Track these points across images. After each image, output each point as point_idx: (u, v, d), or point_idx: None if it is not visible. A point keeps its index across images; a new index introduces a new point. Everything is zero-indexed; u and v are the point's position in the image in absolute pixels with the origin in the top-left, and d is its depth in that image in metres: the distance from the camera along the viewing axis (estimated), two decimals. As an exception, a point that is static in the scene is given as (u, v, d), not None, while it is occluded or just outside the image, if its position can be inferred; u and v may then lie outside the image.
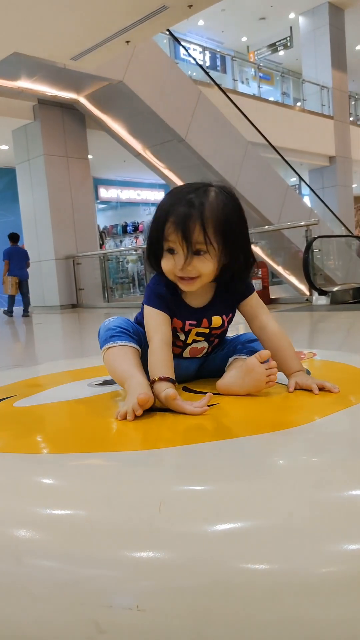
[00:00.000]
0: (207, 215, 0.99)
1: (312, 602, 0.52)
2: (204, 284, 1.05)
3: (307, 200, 13.43)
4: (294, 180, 13.66)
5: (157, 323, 1.06)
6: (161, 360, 1.00)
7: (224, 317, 1.13)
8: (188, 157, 8.16)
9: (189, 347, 1.15)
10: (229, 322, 1.15)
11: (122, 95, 7.65)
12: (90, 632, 0.54)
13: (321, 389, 1.00)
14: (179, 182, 8.82)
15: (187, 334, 1.12)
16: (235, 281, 1.10)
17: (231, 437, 0.79)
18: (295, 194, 11.01)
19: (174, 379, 0.98)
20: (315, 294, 6.65)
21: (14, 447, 0.82)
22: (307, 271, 6.62)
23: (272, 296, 7.06)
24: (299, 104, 14.43)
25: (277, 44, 15.60)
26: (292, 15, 14.55)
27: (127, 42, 6.02)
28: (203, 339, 1.14)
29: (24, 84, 7.48)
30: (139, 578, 0.55)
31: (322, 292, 6.61)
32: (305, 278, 6.77)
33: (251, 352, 1.08)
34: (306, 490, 0.61)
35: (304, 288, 7.71)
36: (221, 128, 8.47)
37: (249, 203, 8.13)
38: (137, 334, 1.12)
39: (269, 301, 6.76)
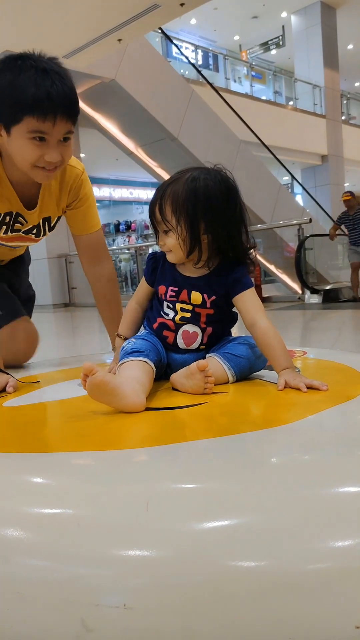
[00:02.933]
0: (167, 196, 1.10)
1: (300, 599, 0.53)
2: (179, 259, 1.16)
3: (299, 199, 13.48)
4: (286, 179, 13.70)
5: (138, 289, 1.27)
6: (126, 319, 1.27)
7: (204, 295, 1.16)
8: (180, 155, 8.17)
9: (181, 330, 1.17)
10: (214, 305, 1.16)
11: (114, 94, 7.64)
12: (78, 630, 0.54)
13: (309, 387, 1.00)
14: (172, 181, 8.82)
15: (173, 307, 1.18)
16: (227, 264, 1.16)
17: (219, 435, 0.79)
18: (288, 192, 11.04)
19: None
20: (308, 292, 6.68)
21: (1, 447, 0.82)
22: (300, 270, 6.64)
23: (265, 295, 7.07)
24: (291, 102, 14.47)
25: (269, 42, 15.63)
26: (284, 14, 14.57)
27: (119, 40, 6.01)
28: (190, 315, 1.17)
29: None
30: (126, 576, 0.55)
31: (314, 291, 6.64)
32: (297, 277, 6.79)
33: (225, 354, 1.12)
34: (294, 488, 0.61)
35: (296, 287, 7.74)
36: (213, 127, 8.48)
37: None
38: (153, 351, 1.14)
39: (261, 300, 6.78)
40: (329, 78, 14.05)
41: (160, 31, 8.91)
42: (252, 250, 1.19)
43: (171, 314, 1.17)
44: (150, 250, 8.26)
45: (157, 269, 1.22)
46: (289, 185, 14.26)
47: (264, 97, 13.71)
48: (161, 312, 1.19)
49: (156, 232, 1.18)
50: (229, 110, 8.90)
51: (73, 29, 5.60)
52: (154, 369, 1.09)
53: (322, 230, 8.56)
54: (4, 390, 1.23)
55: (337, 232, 6.91)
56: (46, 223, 1.56)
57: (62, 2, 4.99)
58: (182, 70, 10.23)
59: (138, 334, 1.22)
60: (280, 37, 15.33)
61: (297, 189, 14.63)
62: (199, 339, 1.17)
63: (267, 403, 0.97)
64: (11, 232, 1.52)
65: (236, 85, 13.66)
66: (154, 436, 0.82)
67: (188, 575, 0.54)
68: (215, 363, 1.09)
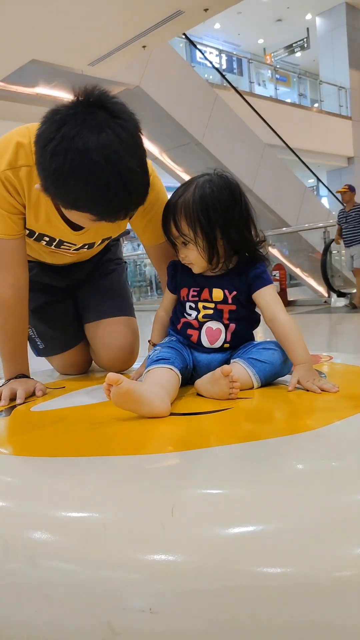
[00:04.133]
0: (179, 209, 1.13)
1: (325, 606, 0.52)
2: (202, 268, 1.19)
3: (325, 201, 13.34)
4: (311, 181, 13.59)
5: (164, 298, 1.31)
6: (156, 327, 1.31)
7: (226, 291, 1.19)
8: (204, 159, 8.17)
9: (205, 328, 1.19)
10: (235, 300, 1.18)
11: (139, 100, 7.69)
12: (105, 633, 0.55)
13: (321, 389, 1.02)
14: (196, 185, 8.83)
15: (195, 307, 1.20)
16: (245, 262, 1.19)
17: (245, 440, 0.79)
18: (313, 195, 10.95)
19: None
20: (334, 296, 6.61)
21: (31, 451, 0.83)
22: (325, 273, 6.58)
23: (290, 298, 7.02)
24: (316, 105, 14.36)
25: (293, 45, 15.57)
26: (308, 17, 14.50)
27: (144, 47, 6.05)
28: (212, 312, 1.19)
29: (42, 90, 7.56)
30: (151, 581, 0.55)
31: (340, 294, 6.56)
32: (323, 280, 6.72)
33: (250, 359, 1.11)
34: (319, 494, 0.61)
35: (322, 290, 7.66)
36: (238, 130, 8.46)
37: (265, 205, 8.10)
38: (179, 358, 1.15)
39: (287, 303, 6.73)
40: (354, 79, 13.90)
41: (184, 37, 8.95)
42: (263, 243, 1.22)
43: (194, 313, 1.21)
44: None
45: (177, 274, 1.26)
46: (315, 187, 14.14)
47: (288, 100, 13.64)
48: (184, 314, 1.22)
49: (174, 246, 1.21)
50: (253, 114, 8.87)
51: (98, 37, 5.66)
52: (180, 375, 1.10)
53: (348, 233, 8.45)
54: (32, 394, 1.25)
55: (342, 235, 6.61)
56: (105, 240, 1.47)
57: (88, 10, 5.06)
58: (206, 75, 10.25)
59: (163, 341, 1.23)
60: (305, 40, 15.25)
61: (323, 191, 14.49)
62: (223, 335, 1.19)
63: (292, 409, 0.97)
64: (55, 247, 1.41)
65: (260, 88, 13.62)
66: (179, 441, 0.82)
67: (213, 581, 0.54)
68: (239, 368, 1.09)
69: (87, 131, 0.95)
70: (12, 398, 1.21)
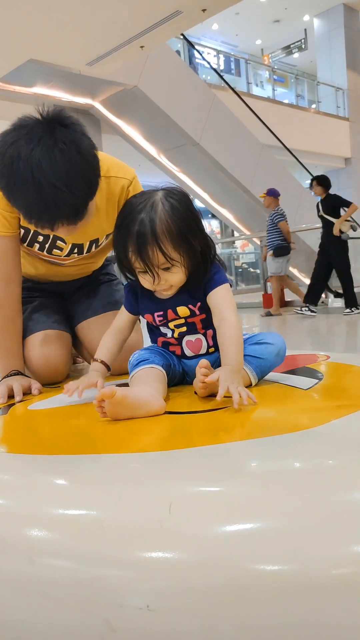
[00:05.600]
0: (160, 235, 1.03)
1: (324, 604, 0.52)
2: (176, 290, 1.13)
3: (322, 202, 13.34)
4: (309, 182, 13.60)
5: (118, 317, 1.24)
6: (104, 345, 1.20)
7: (190, 306, 1.15)
8: (202, 160, 8.18)
9: (184, 342, 1.18)
10: (203, 310, 1.15)
11: (137, 100, 7.69)
12: (103, 630, 0.55)
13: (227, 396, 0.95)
14: (194, 186, 8.85)
15: (167, 328, 1.17)
16: (199, 276, 1.12)
17: (242, 438, 0.79)
18: (311, 196, 10.96)
19: (109, 364, 1.18)
20: (331, 296, 6.61)
21: (28, 449, 0.83)
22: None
23: (287, 299, 7.02)
24: (313, 106, 14.38)
25: (291, 46, 15.59)
26: (306, 18, 14.52)
27: (142, 47, 6.06)
28: (185, 328, 1.16)
29: (39, 90, 7.56)
30: (149, 578, 0.55)
31: (337, 295, 6.57)
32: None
33: (245, 357, 1.09)
34: (317, 492, 0.61)
35: (319, 291, 7.64)
36: (235, 131, 8.47)
37: (263, 205, 8.11)
38: (159, 355, 1.15)
39: (284, 304, 6.73)
40: (352, 80, 13.93)
41: (182, 37, 8.96)
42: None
43: (169, 332, 1.18)
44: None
45: (137, 299, 1.20)
46: (312, 188, 14.13)
47: (286, 101, 13.65)
48: (159, 334, 1.20)
49: (132, 273, 1.12)
50: (251, 115, 8.88)
51: (96, 37, 5.66)
52: (164, 372, 1.10)
53: (345, 234, 8.46)
54: (29, 393, 1.25)
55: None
56: (93, 244, 1.49)
57: (86, 10, 5.06)
58: (204, 76, 10.26)
59: (143, 347, 1.22)
60: (303, 41, 15.28)
61: (320, 192, 14.44)
62: (204, 343, 1.18)
63: (290, 407, 0.97)
64: (47, 253, 1.46)
65: (258, 89, 13.63)
66: (176, 439, 0.83)
67: (211, 578, 0.54)
68: None
69: (24, 142, 1.03)
70: (10, 395, 1.21)
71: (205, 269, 1.12)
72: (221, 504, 0.60)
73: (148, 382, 1.03)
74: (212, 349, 1.19)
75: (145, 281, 1.10)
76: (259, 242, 7.81)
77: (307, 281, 8.62)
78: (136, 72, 7.39)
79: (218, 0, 5.30)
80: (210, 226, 14.88)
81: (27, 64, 6.21)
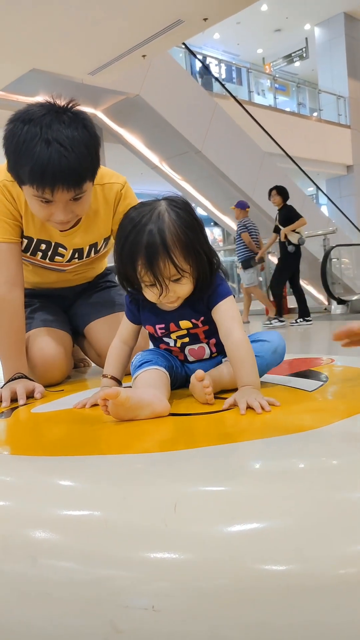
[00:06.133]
0: (171, 245, 1.00)
1: (330, 604, 0.52)
2: (184, 298, 1.09)
3: (324, 209, 13.38)
4: (311, 190, 13.65)
5: (121, 328, 1.21)
6: (111, 360, 1.18)
7: (192, 320, 1.12)
8: (204, 168, 8.21)
9: (187, 350, 1.17)
10: (206, 322, 1.13)
11: (139, 109, 7.73)
12: (107, 631, 0.54)
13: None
14: (196, 194, 8.87)
15: (169, 338, 1.16)
16: (205, 287, 1.09)
17: (246, 439, 0.79)
18: (313, 203, 10.99)
19: (119, 378, 1.17)
20: (334, 303, 6.61)
21: (31, 450, 0.83)
22: (325, 280, 6.58)
23: (290, 306, 7.02)
24: (315, 114, 14.45)
25: (292, 55, 15.69)
26: (307, 27, 14.62)
27: (144, 56, 6.10)
28: (188, 339, 1.15)
29: (42, 99, 7.61)
30: (154, 579, 0.55)
31: (340, 301, 6.57)
32: (323, 287, 6.72)
33: None
34: (324, 491, 0.60)
35: (322, 298, 7.66)
36: (237, 139, 8.51)
37: (265, 213, 8.13)
38: (161, 357, 1.15)
39: (287, 311, 6.72)
40: (353, 88, 14.00)
41: (184, 46, 9.02)
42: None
43: (171, 342, 1.16)
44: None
45: (139, 309, 1.17)
46: (314, 196, 14.19)
47: (287, 109, 13.72)
48: (162, 342, 1.19)
49: (137, 288, 1.08)
50: (253, 123, 8.92)
51: (98, 46, 5.70)
52: (167, 373, 1.10)
53: (347, 240, 8.48)
54: (31, 396, 1.24)
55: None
56: (92, 249, 1.54)
57: (87, 20, 5.10)
58: (199, 80, 10.31)
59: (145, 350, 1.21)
60: (304, 49, 15.38)
61: (322, 199, 14.54)
62: (207, 350, 1.17)
63: (293, 409, 0.96)
64: (49, 260, 1.52)
65: (260, 97, 13.71)
66: (180, 440, 0.82)
67: (216, 578, 0.54)
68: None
69: (37, 110, 1.20)
70: (13, 399, 1.21)
71: (210, 279, 1.09)
72: (226, 503, 0.59)
73: (152, 384, 1.02)
74: (214, 354, 1.18)
75: (152, 295, 1.06)
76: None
77: (310, 289, 8.64)
78: (138, 81, 7.43)
79: (219, 9, 5.34)
80: (213, 234, 14.91)
81: (30, 74, 6.26)
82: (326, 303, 6.83)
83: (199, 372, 0.98)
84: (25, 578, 0.59)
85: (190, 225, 1.03)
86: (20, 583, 0.59)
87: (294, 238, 5.48)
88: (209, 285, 1.09)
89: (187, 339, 1.15)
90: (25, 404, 1.18)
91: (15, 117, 1.20)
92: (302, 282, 8.75)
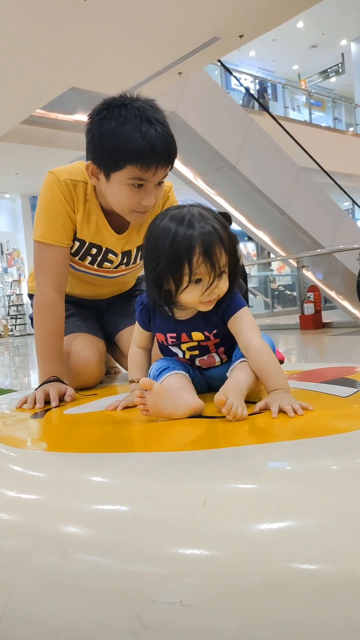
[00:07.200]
0: (222, 236, 1.00)
1: (362, 604, 0.50)
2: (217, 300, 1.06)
3: (360, 224, 13.21)
4: (347, 204, 13.50)
5: (135, 334, 1.21)
6: (134, 366, 1.19)
7: (205, 332, 1.10)
8: (239, 183, 8.23)
9: (197, 361, 1.14)
10: (218, 335, 1.10)
11: (175, 126, 7.71)
12: (134, 625, 0.54)
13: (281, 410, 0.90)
14: (230, 208, 8.89)
15: (179, 348, 1.13)
16: (230, 293, 1.06)
17: (277, 440, 0.78)
18: (349, 218, 10.87)
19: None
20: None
21: (62, 447, 0.84)
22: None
23: (325, 320, 6.92)
24: (351, 129, 14.35)
25: (328, 70, 15.66)
26: (343, 42, 14.60)
27: (180, 73, 6.20)
28: (198, 351, 1.12)
29: (81, 117, 7.80)
30: (182, 574, 0.54)
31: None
32: (359, 301, 6.61)
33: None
34: (356, 490, 0.59)
35: (358, 313, 7.53)
36: (272, 154, 8.51)
37: (300, 227, 8.08)
38: (177, 363, 1.13)
39: (321, 325, 6.64)
40: (390, 103, 13.87)
41: (219, 64, 9.12)
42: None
43: (180, 353, 1.14)
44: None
45: (151, 316, 1.15)
46: (350, 210, 14.04)
47: (323, 124, 13.68)
48: (171, 352, 1.16)
49: (177, 285, 1.01)
50: (288, 138, 8.92)
51: (136, 64, 5.82)
52: (187, 376, 1.09)
53: (384, 255, 8.33)
54: (62, 400, 1.26)
55: None
56: (139, 252, 1.56)
57: (125, 38, 5.22)
58: (240, 101, 10.39)
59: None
60: (340, 65, 15.34)
61: (359, 214, 14.35)
62: (217, 359, 1.14)
63: (326, 413, 0.94)
64: (97, 266, 1.55)
65: (295, 113, 13.72)
66: (211, 440, 0.81)
67: (245, 575, 0.53)
68: (244, 370, 1.04)
69: (120, 99, 1.28)
70: (46, 401, 1.23)
71: (233, 286, 1.06)
72: (258, 500, 0.59)
73: (179, 387, 1.01)
74: (225, 359, 1.15)
75: (193, 294, 1.01)
76: (295, 264, 7.76)
77: (345, 303, 8.51)
78: (174, 98, 7.54)
79: (255, 26, 5.40)
80: (247, 249, 14.89)
81: (69, 92, 6.43)
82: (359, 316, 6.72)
83: (220, 399, 0.89)
84: (54, 570, 0.60)
85: (225, 225, 1.04)
86: (50, 575, 0.60)
87: None
88: (229, 293, 1.06)
89: (197, 352, 1.12)
90: (57, 406, 1.19)
91: (104, 106, 1.26)
92: (337, 298, 8.66)
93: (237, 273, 1.07)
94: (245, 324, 1.06)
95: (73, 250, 1.48)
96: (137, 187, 1.27)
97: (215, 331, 1.10)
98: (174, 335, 1.11)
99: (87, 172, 1.35)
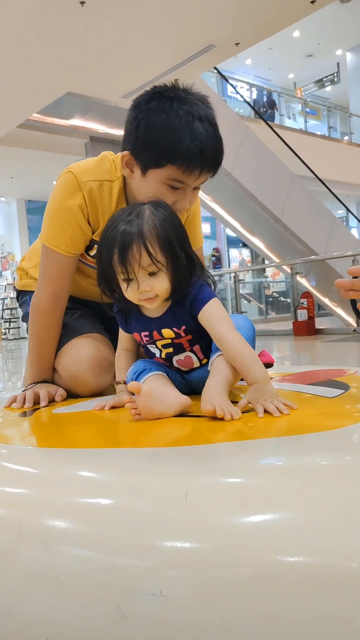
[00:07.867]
0: (147, 234, 0.98)
1: (342, 595, 0.51)
2: (162, 300, 1.05)
3: (355, 232, 13.29)
4: (341, 212, 13.59)
5: (120, 337, 1.21)
6: (119, 367, 1.19)
7: (174, 329, 1.09)
8: (233, 189, 8.26)
9: (175, 361, 1.14)
10: (188, 331, 1.10)
11: (170, 131, 7.86)
12: (114, 616, 0.54)
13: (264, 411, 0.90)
14: (225, 215, 8.93)
15: (155, 347, 1.13)
16: (182, 290, 1.05)
17: (260, 437, 0.78)
18: (343, 225, 10.93)
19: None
20: (362, 323, 6.51)
21: (47, 443, 0.84)
22: (354, 302, 6.49)
23: (318, 327, 6.95)
24: (346, 137, 14.46)
25: (324, 79, 15.79)
26: (339, 52, 14.73)
27: (176, 80, 6.22)
28: (172, 349, 1.12)
29: (77, 122, 7.83)
30: (163, 565, 0.55)
31: (369, 322, 6.46)
32: (352, 309, 6.64)
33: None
34: (336, 483, 0.60)
35: (351, 320, 7.57)
36: (267, 161, 8.56)
37: (294, 234, 8.11)
38: (154, 364, 1.13)
39: (314, 331, 6.66)
40: (385, 112, 13.99)
41: (215, 71, 9.18)
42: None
43: (157, 352, 1.14)
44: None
45: (126, 319, 1.16)
46: (344, 218, 14.12)
47: (318, 133, 13.77)
48: (150, 354, 1.16)
49: (125, 281, 1.03)
50: (283, 146, 8.98)
51: (132, 70, 5.86)
52: (164, 374, 1.09)
53: (378, 263, 8.37)
54: (53, 400, 1.26)
55: None
56: None
57: (121, 44, 5.26)
58: (236, 109, 10.45)
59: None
60: (335, 74, 15.46)
61: (353, 222, 14.45)
62: (195, 358, 1.14)
63: (311, 412, 0.95)
64: None
65: (290, 121, 13.81)
66: (194, 436, 0.82)
67: (225, 567, 0.53)
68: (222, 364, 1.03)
69: (171, 88, 1.19)
70: (36, 401, 1.23)
71: (189, 280, 1.05)
72: (239, 493, 0.59)
73: (161, 386, 1.01)
74: (204, 361, 1.14)
75: (131, 292, 1.03)
76: (289, 270, 7.80)
77: (339, 310, 8.55)
78: (170, 104, 7.57)
79: (251, 34, 5.45)
80: (241, 255, 14.94)
81: (65, 97, 6.46)
82: (355, 325, 6.74)
83: (207, 409, 0.87)
84: (37, 563, 0.60)
85: (170, 221, 1.02)
86: (32, 568, 0.60)
87: None
88: (187, 287, 1.05)
89: (171, 349, 1.12)
90: (46, 406, 1.19)
91: (155, 96, 1.16)
92: (330, 305, 8.69)
93: (186, 270, 1.04)
94: (214, 317, 1.04)
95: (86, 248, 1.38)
96: (173, 189, 1.18)
97: (184, 327, 1.09)
98: (147, 333, 1.11)
99: (122, 163, 1.23)
